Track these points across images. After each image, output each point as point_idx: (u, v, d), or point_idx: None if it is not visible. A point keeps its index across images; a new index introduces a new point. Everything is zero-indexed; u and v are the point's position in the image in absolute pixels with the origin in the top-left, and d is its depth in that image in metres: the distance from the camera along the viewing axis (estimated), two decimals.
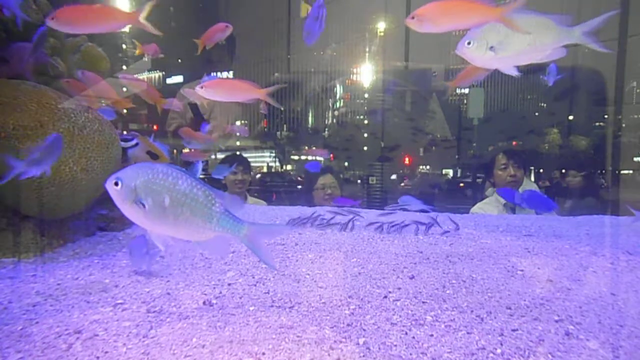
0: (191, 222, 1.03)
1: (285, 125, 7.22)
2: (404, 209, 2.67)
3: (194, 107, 3.93)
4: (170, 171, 1.03)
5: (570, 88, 5.48)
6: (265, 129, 7.00)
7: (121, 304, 1.26)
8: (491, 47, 1.21)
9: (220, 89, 1.83)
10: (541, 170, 5.11)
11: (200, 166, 2.94)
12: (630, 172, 4.98)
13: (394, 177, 6.00)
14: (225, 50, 4.73)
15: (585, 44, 1.20)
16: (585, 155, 5.21)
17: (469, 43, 1.22)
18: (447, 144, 5.99)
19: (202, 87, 1.77)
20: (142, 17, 1.52)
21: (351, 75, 6.88)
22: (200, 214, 1.03)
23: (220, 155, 4.28)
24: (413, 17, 1.19)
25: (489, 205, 3.38)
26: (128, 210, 1.03)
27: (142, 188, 1.01)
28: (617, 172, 4.77)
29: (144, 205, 1.01)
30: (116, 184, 1.02)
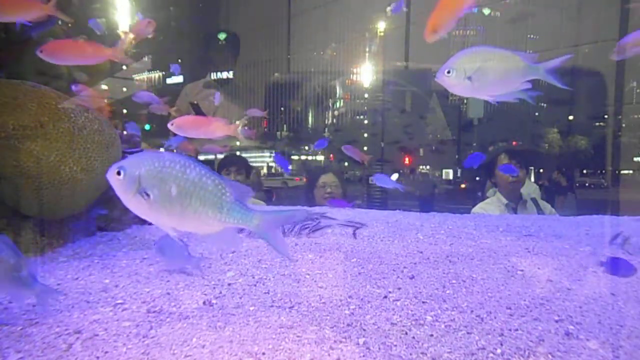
0: (200, 213, 0.97)
1: (285, 126, 7.22)
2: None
3: (195, 107, 3.93)
4: (177, 159, 0.97)
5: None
6: (265, 129, 7.00)
7: (121, 304, 1.26)
8: (469, 77, 1.31)
9: (190, 126, 1.85)
10: (541, 170, 5.11)
11: None
12: (631, 172, 4.98)
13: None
14: (227, 50, 4.74)
15: (546, 80, 1.32)
16: (585, 155, 5.22)
17: (448, 72, 1.32)
18: (445, 148, 5.99)
19: (172, 125, 1.80)
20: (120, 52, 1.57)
21: (351, 75, 6.88)
22: (210, 204, 0.96)
23: (220, 156, 4.28)
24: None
25: (491, 206, 3.38)
26: (131, 201, 0.97)
27: (147, 177, 0.95)
28: (617, 172, 4.77)
29: (148, 196, 0.95)
30: (118, 173, 0.95)
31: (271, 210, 1.05)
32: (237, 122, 1.92)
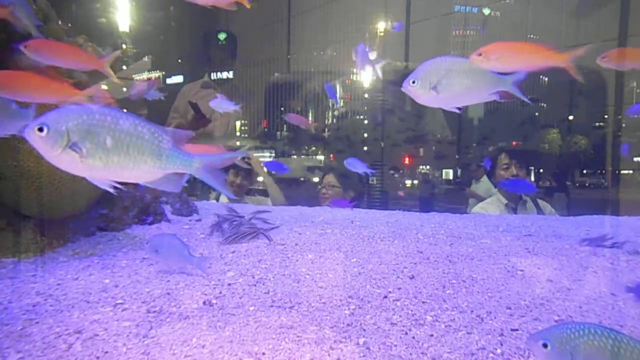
0: (139, 162, 0.95)
1: (285, 126, 7.22)
2: None
3: (194, 106, 3.92)
4: (107, 111, 0.94)
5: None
6: (265, 129, 6.99)
7: (121, 304, 1.26)
8: (434, 87, 1.30)
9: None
10: (541, 170, 5.11)
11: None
12: (630, 172, 4.98)
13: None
14: (226, 50, 4.73)
15: (512, 92, 1.31)
16: (585, 155, 5.22)
17: (413, 82, 1.32)
18: (445, 147, 6.00)
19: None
20: (106, 65, 1.56)
21: (351, 75, 6.88)
22: (148, 153, 0.95)
23: None
24: (480, 54, 1.24)
25: (491, 205, 3.38)
26: (59, 158, 0.93)
27: (77, 131, 0.91)
28: (617, 172, 4.77)
29: (80, 150, 0.91)
30: (40, 129, 0.90)
31: (209, 154, 1.06)
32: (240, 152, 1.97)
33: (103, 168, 0.95)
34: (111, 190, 1.02)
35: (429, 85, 1.29)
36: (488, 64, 1.24)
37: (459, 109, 1.39)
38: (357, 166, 2.96)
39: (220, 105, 3.15)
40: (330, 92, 3.69)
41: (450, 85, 1.30)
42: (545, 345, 0.80)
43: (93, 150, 0.93)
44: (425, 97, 1.32)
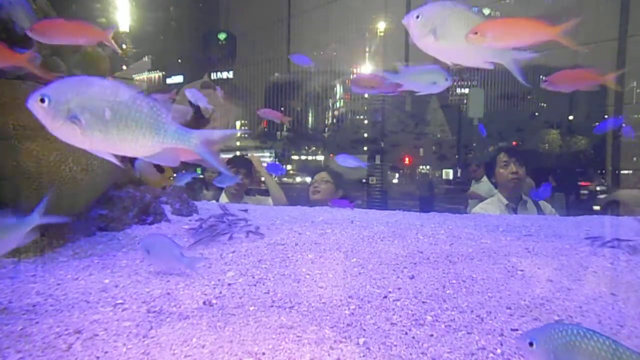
0: (138, 135, 0.95)
1: (285, 126, 7.22)
2: None
3: (194, 106, 3.93)
4: (107, 83, 0.95)
5: None
6: (265, 129, 7.00)
7: (121, 304, 1.26)
8: (433, 31, 1.22)
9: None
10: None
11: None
12: (630, 172, 4.99)
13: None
14: (226, 50, 4.74)
15: (508, 68, 1.26)
16: (585, 155, 5.22)
17: (417, 17, 1.24)
18: (445, 147, 6.00)
19: None
20: (109, 36, 1.59)
21: (351, 75, 6.88)
22: (147, 126, 0.95)
23: (222, 156, 4.25)
24: (476, 33, 1.20)
25: (491, 205, 3.38)
26: (60, 129, 0.93)
27: (77, 102, 0.91)
28: (617, 172, 4.77)
29: (80, 121, 0.91)
30: (42, 100, 0.91)
31: (207, 130, 1.05)
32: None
33: (103, 140, 0.95)
34: (116, 162, 1.01)
35: (430, 26, 1.22)
36: (484, 41, 1.19)
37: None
38: (348, 161, 2.95)
39: (194, 96, 3.10)
40: (299, 60, 3.68)
41: (449, 35, 1.22)
42: (530, 344, 0.82)
43: (92, 122, 0.93)
44: (423, 40, 1.24)
